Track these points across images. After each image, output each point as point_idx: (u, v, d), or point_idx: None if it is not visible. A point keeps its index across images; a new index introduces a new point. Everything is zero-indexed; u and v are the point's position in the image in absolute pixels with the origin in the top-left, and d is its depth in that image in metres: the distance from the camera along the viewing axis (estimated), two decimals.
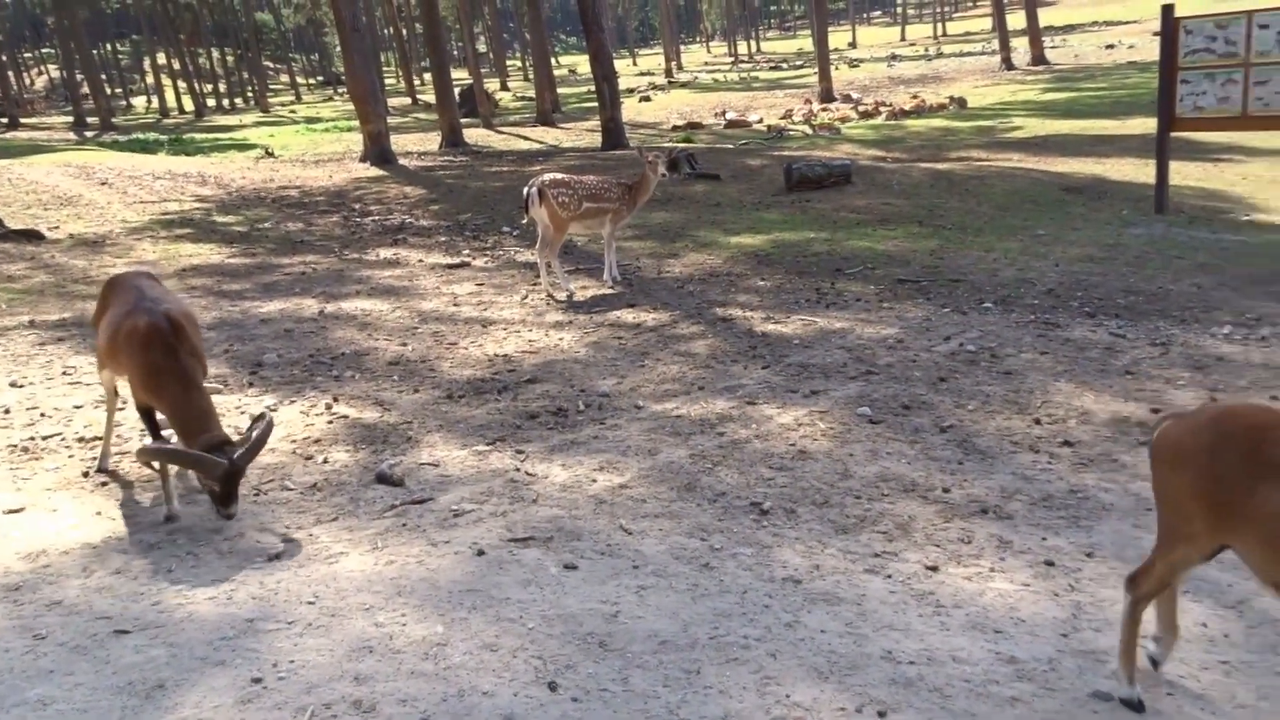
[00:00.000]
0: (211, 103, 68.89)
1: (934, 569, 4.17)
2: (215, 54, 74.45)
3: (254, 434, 4.79)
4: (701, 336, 7.61)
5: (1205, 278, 8.60)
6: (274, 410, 6.23)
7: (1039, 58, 40.78)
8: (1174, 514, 3.08)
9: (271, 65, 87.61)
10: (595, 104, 23.20)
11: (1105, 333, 7.25)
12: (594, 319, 8.20)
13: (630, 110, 31.74)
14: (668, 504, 4.85)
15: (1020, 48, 42.35)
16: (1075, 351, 6.86)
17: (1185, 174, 13.49)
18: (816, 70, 36.24)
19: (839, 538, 4.47)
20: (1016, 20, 44.49)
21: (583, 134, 26.83)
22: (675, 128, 28.09)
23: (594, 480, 5.15)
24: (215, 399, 4.92)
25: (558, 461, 5.40)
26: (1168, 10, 11.26)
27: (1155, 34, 11.56)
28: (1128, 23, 60.69)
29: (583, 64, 49.15)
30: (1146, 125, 12.37)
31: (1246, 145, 15.90)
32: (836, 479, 5.06)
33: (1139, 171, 13.96)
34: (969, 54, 51.87)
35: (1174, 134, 11.43)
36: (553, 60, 44.32)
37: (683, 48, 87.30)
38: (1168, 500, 3.09)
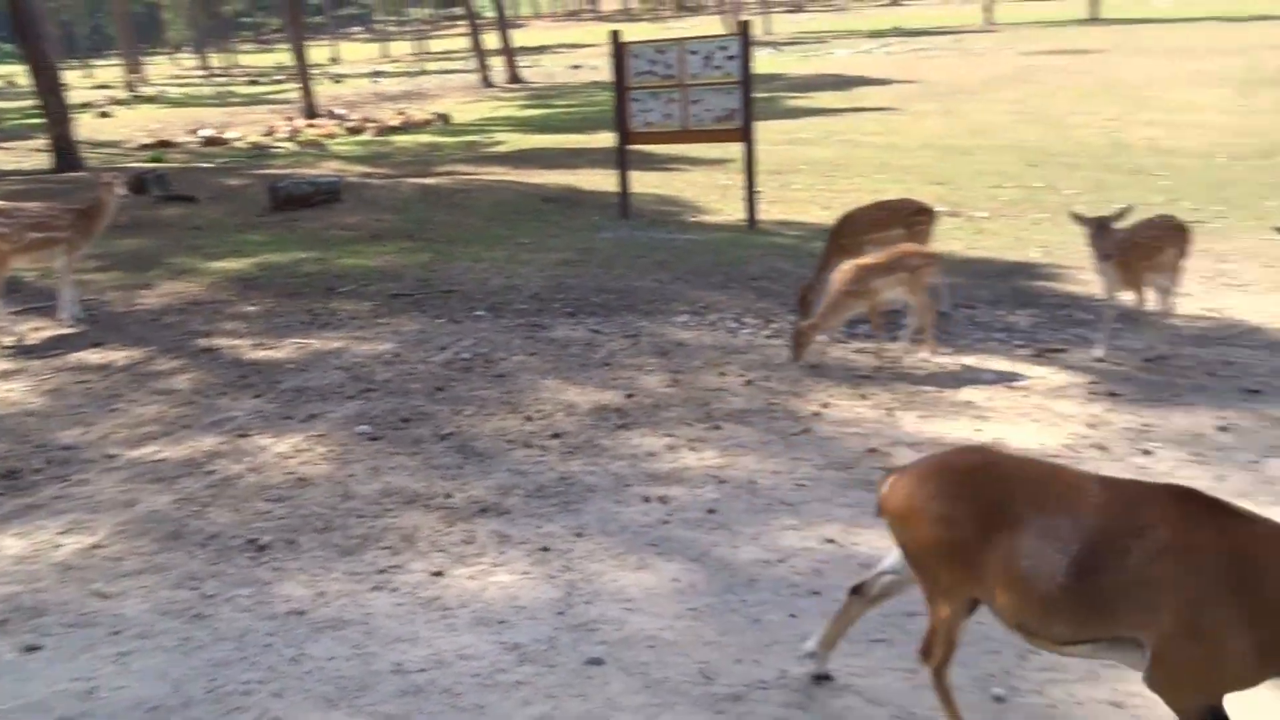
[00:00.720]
0: None
1: (439, 574, 4.25)
2: None
3: None
4: (183, 371, 7.05)
5: (664, 274, 9.66)
6: None
7: (515, 76, 43.20)
8: (922, 571, 2.97)
9: None
10: (42, 120, 20.48)
11: (584, 330, 7.87)
12: (51, 363, 7.24)
13: (87, 127, 28.43)
14: (150, 557, 4.42)
15: (498, 66, 44.53)
16: (559, 349, 7.37)
17: (644, 182, 15.03)
18: (299, 85, 35.19)
19: (344, 560, 4.39)
20: (493, 40, 46.72)
21: (28, 155, 23.58)
22: (144, 146, 25.67)
23: (59, 545, 4.55)
24: None
25: (11, 531, 4.69)
26: (615, 35, 12.50)
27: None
28: (590, 45, 66.30)
29: (23, 75, 43.17)
30: (610, 139, 13.63)
31: (690, 156, 18.12)
32: (338, 501, 4.96)
33: (606, 181, 15.30)
34: (451, 71, 53.49)
35: (631, 146, 12.71)
36: None
37: (147, 59, 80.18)
38: (915, 561, 2.98)
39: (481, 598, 4.05)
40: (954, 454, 3.09)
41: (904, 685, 3.41)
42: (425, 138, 25.15)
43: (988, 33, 47.84)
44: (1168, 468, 5.11)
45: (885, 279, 6.80)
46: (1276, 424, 5.63)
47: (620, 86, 12.29)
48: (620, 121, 12.45)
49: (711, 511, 4.77)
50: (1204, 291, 8.30)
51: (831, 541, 4.44)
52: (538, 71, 48.21)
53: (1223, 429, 5.58)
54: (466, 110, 33.19)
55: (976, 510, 2.79)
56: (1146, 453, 5.32)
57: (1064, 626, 2.67)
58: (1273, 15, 40.69)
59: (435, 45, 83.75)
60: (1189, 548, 2.53)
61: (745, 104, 11.73)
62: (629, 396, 6.37)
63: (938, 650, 2.98)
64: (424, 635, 3.79)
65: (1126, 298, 6.92)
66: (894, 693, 3.39)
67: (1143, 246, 6.73)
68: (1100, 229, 6.44)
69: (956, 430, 5.72)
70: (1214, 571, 2.49)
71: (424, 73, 54.72)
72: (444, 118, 30.01)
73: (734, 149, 12.75)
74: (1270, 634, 2.44)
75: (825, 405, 6.18)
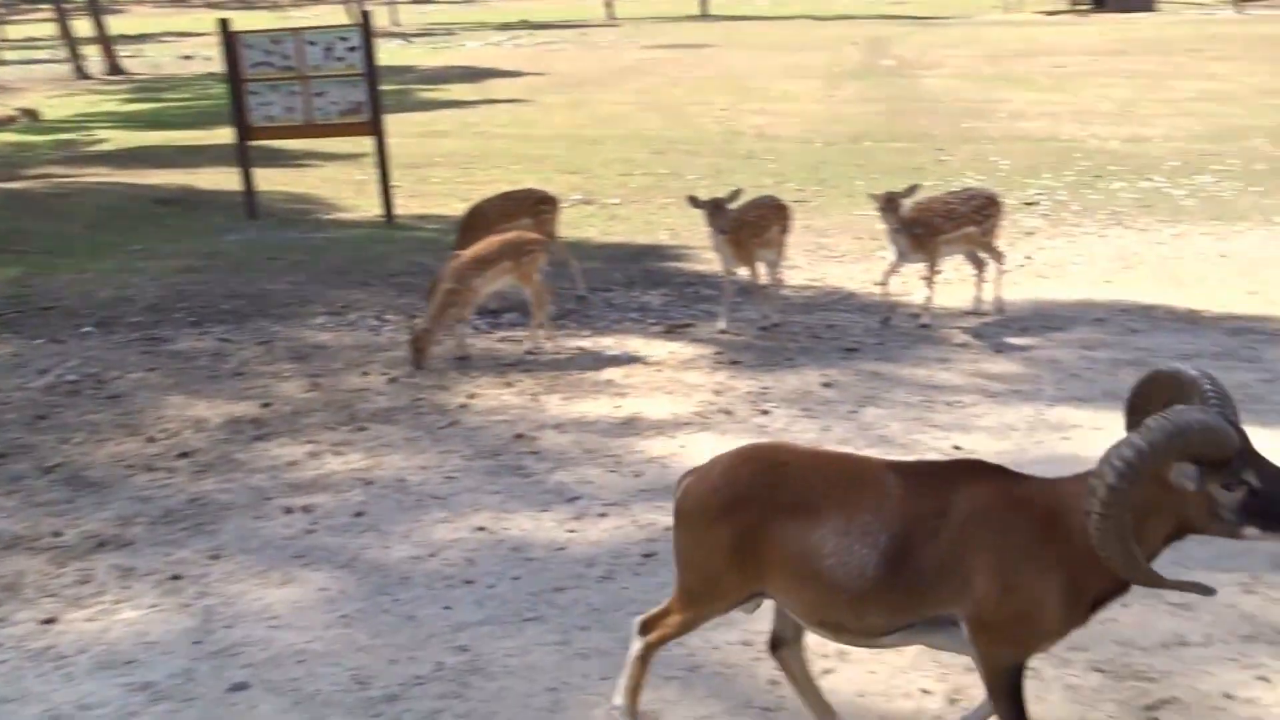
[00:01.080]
0: None
1: (51, 621, 3.82)
2: None
3: None
4: None
5: (298, 275, 9.24)
6: None
7: (115, 67, 39.26)
8: (699, 574, 2.85)
9: None
10: None
11: (212, 339, 7.35)
12: None
13: None
14: None
15: (94, 56, 40.29)
16: (184, 363, 6.84)
17: (273, 180, 14.26)
18: None
19: None
20: (86, 27, 42.19)
21: None
22: None
23: None
24: None
25: None
26: (224, 24, 11.73)
27: None
28: (201, 34, 61.62)
29: None
30: (230, 135, 12.76)
31: (322, 151, 17.38)
32: None
33: (229, 180, 14.32)
34: (36, 61, 47.61)
35: (252, 142, 11.99)
36: None
37: None
38: (694, 561, 2.86)
39: (104, 639, 3.69)
40: (746, 453, 2.95)
41: (557, 658, 3.52)
42: (8, 136, 22.29)
43: (610, 27, 50.02)
44: (783, 424, 5.65)
45: (488, 273, 6.83)
46: (870, 377, 6.38)
47: (235, 79, 11.56)
48: (238, 116, 11.72)
49: (359, 515, 4.65)
50: (807, 263, 9.21)
51: (483, 529, 4.49)
52: (143, 62, 44.27)
53: (827, 385, 6.24)
54: (59, 105, 29.78)
55: (772, 506, 2.73)
56: (765, 412, 5.84)
57: (878, 618, 2.67)
58: (851, 15, 45.98)
59: (13, 31, 74.12)
60: (991, 513, 2.61)
61: (372, 96, 11.47)
62: (265, 405, 6.04)
63: (665, 633, 2.92)
64: (35, 691, 3.39)
65: (742, 273, 7.53)
66: (547, 668, 3.48)
67: (751, 225, 7.35)
68: (715, 210, 6.96)
69: (598, 409, 5.96)
70: (1018, 530, 2.59)
71: (2, 63, 48.35)
72: (31, 114, 26.74)
73: (366, 143, 12.41)
74: (1072, 581, 2.56)
75: (472, 396, 6.21)
